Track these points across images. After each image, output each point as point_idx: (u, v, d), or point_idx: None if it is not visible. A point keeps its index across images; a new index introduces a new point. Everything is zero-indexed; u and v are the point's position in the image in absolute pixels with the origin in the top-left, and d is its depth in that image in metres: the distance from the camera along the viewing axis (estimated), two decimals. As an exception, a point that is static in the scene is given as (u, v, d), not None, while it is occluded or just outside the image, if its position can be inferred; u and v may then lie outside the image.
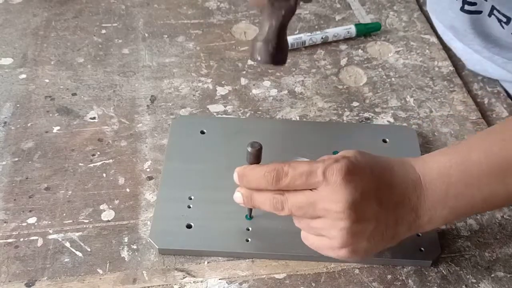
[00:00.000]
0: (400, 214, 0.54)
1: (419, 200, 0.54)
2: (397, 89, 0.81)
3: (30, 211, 0.65)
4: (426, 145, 0.73)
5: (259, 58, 0.54)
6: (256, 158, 0.57)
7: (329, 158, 0.54)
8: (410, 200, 0.54)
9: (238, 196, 0.57)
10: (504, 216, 0.66)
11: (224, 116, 0.76)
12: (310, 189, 0.53)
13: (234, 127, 0.73)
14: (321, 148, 0.68)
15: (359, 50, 0.87)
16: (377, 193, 0.53)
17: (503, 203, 0.60)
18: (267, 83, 0.81)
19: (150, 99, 0.78)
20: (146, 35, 0.88)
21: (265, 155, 0.57)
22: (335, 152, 0.59)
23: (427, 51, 0.87)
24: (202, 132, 0.72)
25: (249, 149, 0.56)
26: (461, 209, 0.56)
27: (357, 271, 0.61)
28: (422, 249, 0.62)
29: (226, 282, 0.60)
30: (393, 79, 0.83)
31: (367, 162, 0.54)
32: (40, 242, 0.62)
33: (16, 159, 0.70)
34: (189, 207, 0.64)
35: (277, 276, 0.61)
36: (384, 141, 0.72)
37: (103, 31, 0.88)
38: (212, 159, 0.69)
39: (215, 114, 0.76)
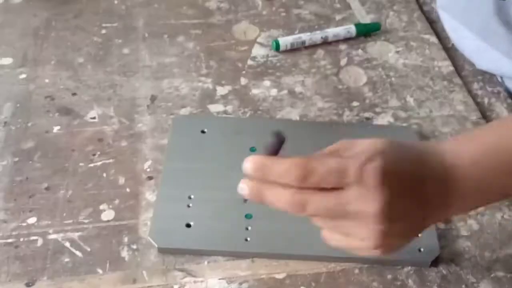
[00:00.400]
0: (431, 208, 0.51)
1: (451, 190, 0.51)
2: (397, 89, 0.81)
3: (30, 211, 0.65)
4: (426, 145, 0.73)
5: None
6: (277, 150, 0.51)
7: (361, 154, 0.48)
8: (441, 191, 0.51)
9: (243, 187, 0.49)
10: (504, 216, 0.66)
11: (224, 116, 0.76)
12: (338, 188, 0.48)
13: (234, 127, 0.73)
14: (321, 148, 0.68)
15: (359, 50, 0.87)
16: (411, 189, 0.50)
17: None
18: (267, 83, 0.81)
19: (150, 99, 0.78)
20: (146, 35, 0.88)
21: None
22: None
23: (427, 51, 0.87)
24: (203, 132, 0.72)
25: (273, 138, 0.50)
26: (492, 196, 0.54)
27: (357, 271, 0.61)
28: (422, 249, 0.62)
29: (226, 282, 0.60)
30: (393, 79, 0.83)
31: (402, 157, 0.50)
32: (40, 242, 0.62)
33: (16, 159, 0.70)
34: (188, 206, 0.64)
35: (277, 276, 0.61)
36: (384, 141, 0.72)
37: (103, 31, 0.88)
38: (212, 158, 0.69)
39: (215, 114, 0.76)
